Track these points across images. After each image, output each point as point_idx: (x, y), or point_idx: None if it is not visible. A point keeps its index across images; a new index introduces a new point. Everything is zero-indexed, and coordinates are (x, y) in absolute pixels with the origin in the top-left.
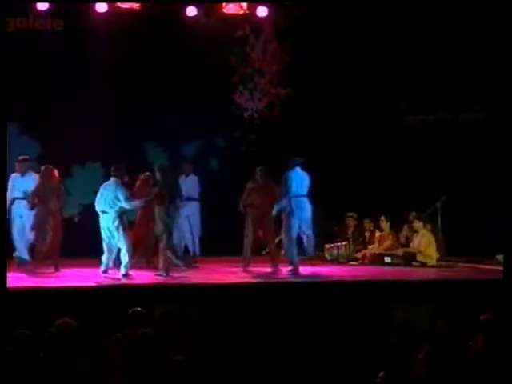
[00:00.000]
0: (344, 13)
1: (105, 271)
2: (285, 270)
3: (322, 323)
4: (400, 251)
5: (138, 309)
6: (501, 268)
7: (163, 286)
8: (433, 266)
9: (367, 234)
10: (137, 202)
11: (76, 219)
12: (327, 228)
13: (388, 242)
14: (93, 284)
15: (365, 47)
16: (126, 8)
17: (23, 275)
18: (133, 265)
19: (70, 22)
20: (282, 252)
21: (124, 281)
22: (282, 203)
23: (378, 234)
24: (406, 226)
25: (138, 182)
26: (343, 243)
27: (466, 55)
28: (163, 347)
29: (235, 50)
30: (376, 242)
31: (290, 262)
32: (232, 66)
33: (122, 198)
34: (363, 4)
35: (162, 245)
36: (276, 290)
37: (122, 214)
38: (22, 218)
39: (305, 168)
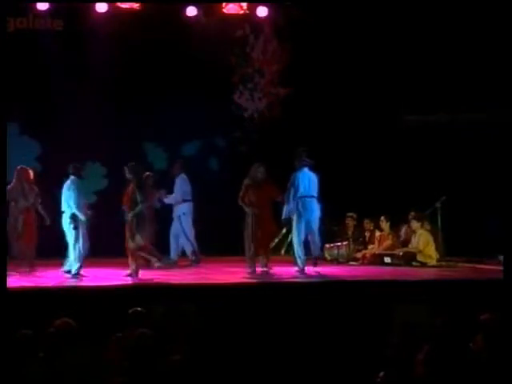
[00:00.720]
0: (344, 13)
1: (68, 272)
2: (276, 270)
3: (322, 323)
4: (400, 251)
5: (138, 309)
6: (501, 268)
7: (163, 285)
8: (433, 266)
9: (367, 234)
10: (85, 211)
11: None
12: (327, 228)
13: (388, 242)
14: (93, 284)
15: (365, 47)
16: (126, 8)
17: (23, 275)
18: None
19: (70, 22)
20: (282, 252)
21: (72, 282)
22: (290, 205)
23: (377, 233)
24: (405, 226)
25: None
26: (343, 243)
27: (466, 55)
28: (163, 347)
29: (235, 50)
30: (376, 242)
31: (297, 264)
32: (232, 65)
33: (72, 201)
34: (363, 4)
35: (131, 245)
36: (276, 290)
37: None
38: None
39: (313, 169)
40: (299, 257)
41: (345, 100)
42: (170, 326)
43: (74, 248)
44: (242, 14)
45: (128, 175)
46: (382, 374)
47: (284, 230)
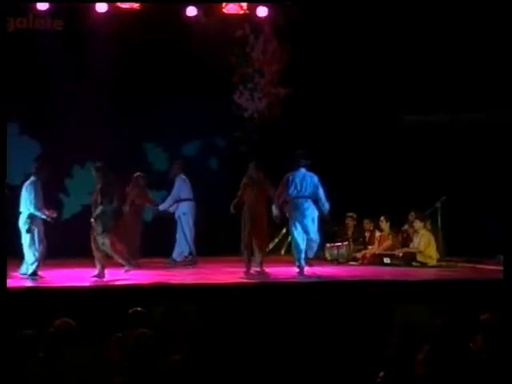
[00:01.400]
0: (344, 13)
1: (24, 274)
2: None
3: (322, 323)
4: (400, 251)
5: (138, 309)
6: (501, 268)
7: (163, 285)
8: (433, 266)
9: (367, 234)
10: (44, 212)
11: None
12: (327, 228)
13: (388, 242)
14: (93, 284)
15: (365, 47)
16: (126, 8)
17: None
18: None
19: (70, 22)
20: (282, 252)
21: (30, 282)
22: (275, 205)
23: (377, 234)
24: (406, 226)
25: (131, 183)
26: (343, 243)
27: (466, 55)
28: (163, 347)
29: (235, 50)
30: (376, 242)
31: (296, 264)
32: (232, 65)
33: (29, 203)
34: (363, 4)
35: (93, 246)
36: (276, 290)
37: (32, 216)
38: None
39: (310, 169)
40: (296, 258)
41: (345, 100)
42: (170, 326)
43: (30, 250)
44: (242, 14)
45: (94, 175)
46: (382, 374)
47: (284, 230)
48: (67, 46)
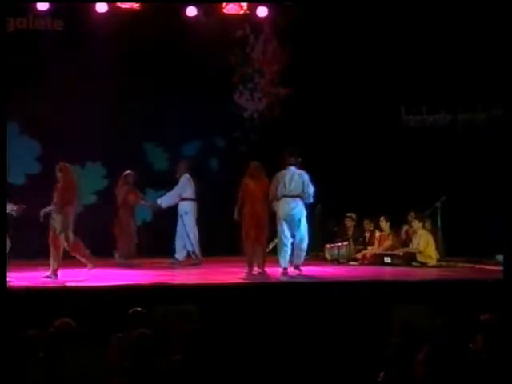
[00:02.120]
0: (344, 13)
1: None
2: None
3: (322, 323)
4: (400, 251)
5: (138, 309)
6: (501, 268)
7: (163, 286)
8: (433, 266)
9: (367, 234)
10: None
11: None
12: (327, 228)
13: (388, 242)
14: (93, 284)
15: (365, 47)
16: (126, 8)
17: (23, 275)
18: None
19: (69, 21)
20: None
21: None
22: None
23: (378, 234)
24: (405, 226)
25: (120, 181)
26: (343, 243)
27: (466, 55)
28: (163, 347)
29: (235, 50)
30: (376, 242)
31: (280, 264)
32: (232, 65)
33: None
34: (363, 4)
35: (54, 243)
36: (276, 290)
37: None
38: None
39: (301, 168)
40: (281, 256)
41: (345, 100)
42: (170, 326)
43: None
44: (242, 14)
45: (58, 174)
46: (382, 374)
47: None
48: (67, 45)
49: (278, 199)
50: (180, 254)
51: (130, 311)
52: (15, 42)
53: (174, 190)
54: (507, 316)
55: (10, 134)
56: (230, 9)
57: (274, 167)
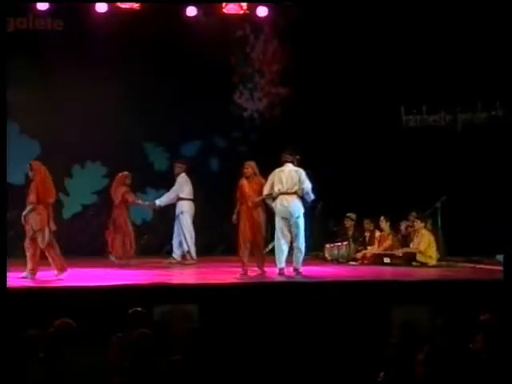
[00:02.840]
0: (344, 13)
1: None
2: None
3: (322, 323)
4: (400, 251)
5: (138, 309)
6: (501, 268)
7: (163, 285)
8: (433, 266)
9: (367, 234)
10: None
11: None
12: (327, 228)
13: (388, 242)
14: (93, 284)
15: (365, 47)
16: (126, 8)
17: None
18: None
19: (69, 21)
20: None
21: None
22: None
23: (377, 234)
24: (405, 225)
25: (115, 181)
26: (343, 243)
27: (466, 55)
28: (163, 347)
29: (235, 50)
30: (376, 242)
31: (276, 263)
32: (232, 65)
33: None
34: (363, 4)
35: (26, 243)
36: (276, 290)
37: None
38: None
39: (300, 166)
40: (277, 256)
41: (345, 100)
42: (170, 326)
43: None
44: (242, 14)
45: (29, 173)
46: (382, 374)
47: None
48: (67, 45)
49: (275, 196)
50: (176, 254)
51: (130, 311)
52: (15, 41)
53: (171, 190)
54: (507, 316)
55: (10, 134)
56: (229, 9)
57: (273, 167)
